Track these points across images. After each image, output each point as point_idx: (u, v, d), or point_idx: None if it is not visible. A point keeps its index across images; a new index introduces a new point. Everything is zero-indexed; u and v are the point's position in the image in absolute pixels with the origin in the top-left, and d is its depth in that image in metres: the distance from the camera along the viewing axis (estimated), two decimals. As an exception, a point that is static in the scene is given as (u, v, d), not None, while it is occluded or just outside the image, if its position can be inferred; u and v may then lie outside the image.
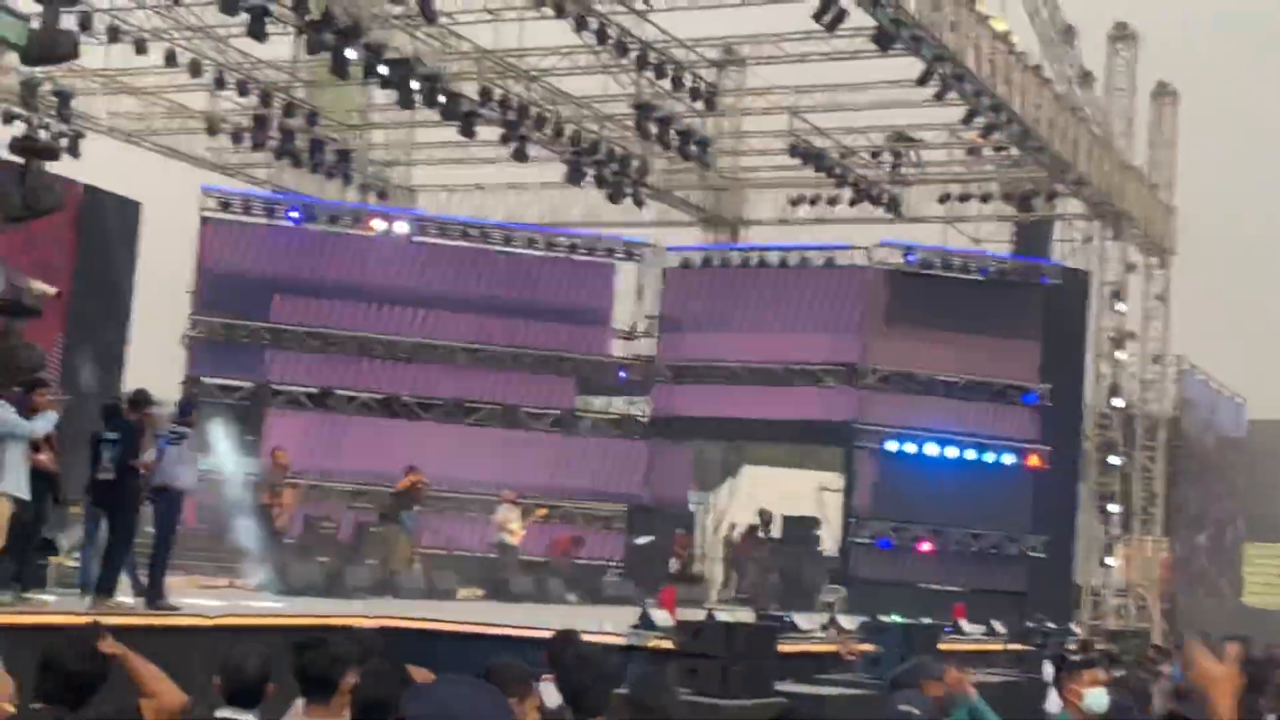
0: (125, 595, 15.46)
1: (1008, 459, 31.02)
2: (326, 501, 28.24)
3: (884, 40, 22.82)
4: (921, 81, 24.36)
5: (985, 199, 32.51)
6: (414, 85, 25.34)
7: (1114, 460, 32.41)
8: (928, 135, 31.34)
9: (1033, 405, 31.09)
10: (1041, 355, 31.06)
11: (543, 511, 27.43)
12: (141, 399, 15.69)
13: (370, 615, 16.46)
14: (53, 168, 15.71)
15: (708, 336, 31.93)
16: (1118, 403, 32.51)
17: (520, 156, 28.72)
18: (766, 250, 32.95)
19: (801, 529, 30.31)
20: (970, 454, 30.86)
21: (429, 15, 23.22)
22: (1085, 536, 32.00)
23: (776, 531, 29.91)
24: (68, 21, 19.92)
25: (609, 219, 33.50)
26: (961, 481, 30.46)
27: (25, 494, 13.64)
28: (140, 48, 26.37)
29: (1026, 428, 31.04)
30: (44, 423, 13.89)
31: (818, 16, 22.51)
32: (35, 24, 12.88)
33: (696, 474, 35.01)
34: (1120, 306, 32.45)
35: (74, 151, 27.92)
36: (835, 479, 33.08)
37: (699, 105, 27.66)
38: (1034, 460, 31.00)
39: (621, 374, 32.83)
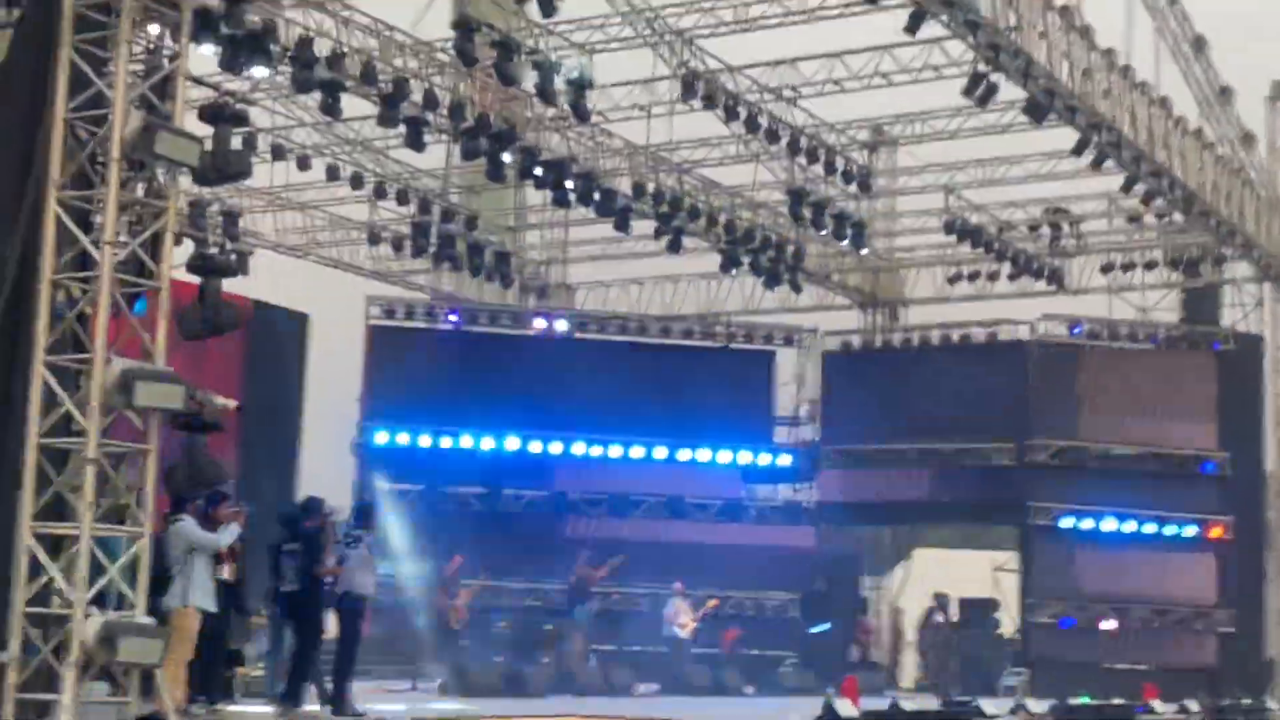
0: (312, 704, 15.62)
1: (1189, 531, 30.14)
2: (500, 600, 28.38)
3: (1036, 112, 22.53)
4: (1077, 152, 23.99)
5: (1150, 267, 31.76)
6: (568, 185, 25.70)
7: (1300, 529, 31.24)
8: (1088, 204, 30.82)
9: (1213, 475, 30.18)
10: (1219, 423, 30.19)
11: (713, 603, 27.24)
12: (316, 506, 15.94)
13: (551, 714, 16.41)
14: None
15: (872, 419, 31.59)
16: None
17: (675, 248, 28.89)
18: (927, 329, 32.62)
19: (980, 611, 29.71)
20: (1150, 528, 30.02)
21: (581, 116, 23.53)
22: (1275, 608, 30.84)
23: (954, 615, 29.32)
24: (235, 141, 20.64)
25: (767, 306, 33.46)
26: (1142, 556, 29.63)
27: (212, 606, 13.88)
28: (303, 164, 27.11)
29: (1207, 499, 30.16)
30: (228, 535, 14.15)
31: (968, 92, 22.31)
32: (207, 145, 13.23)
33: (868, 559, 34.52)
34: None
35: (243, 268, 28.72)
36: (1010, 559, 32.39)
37: (852, 188, 27.59)
38: (1217, 532, 30.07)
39: (786, 461, 32.57)
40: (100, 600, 12.04)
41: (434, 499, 30.48)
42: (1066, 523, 30.01)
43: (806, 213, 27.19)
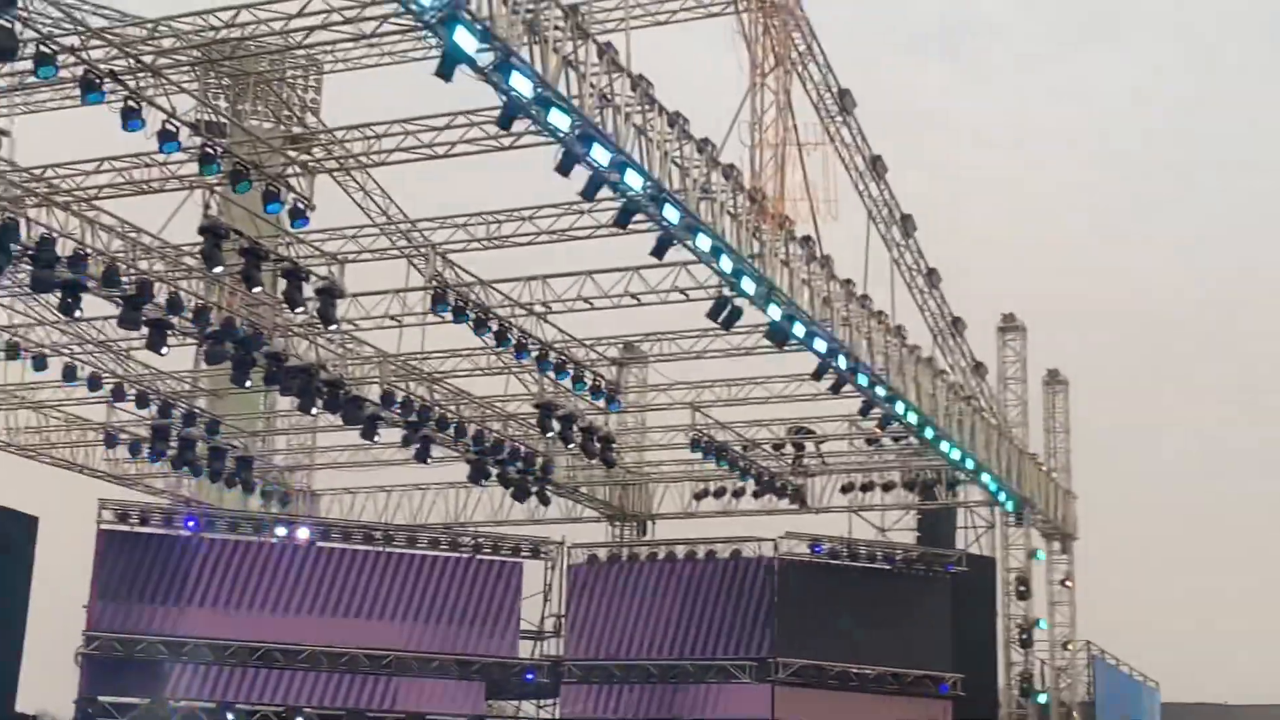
0: None
1: (926, 750, 30.58)
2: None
3: (777, 336, 23.26)
4: (817, 376, 24.79)
5: (888, 488, 32.86)
6: (315, 391, 25.39)
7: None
8: (829, 426, 31.80)
9: (946, 696, 30.82)
10: (953, 643, 30.96)
11: None
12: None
13: None
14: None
15: (618, 634, 31.53)
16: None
17: (423, 457, 28.67)
18: (673, 544, 32.92)
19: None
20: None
21: (329, 322, 23.39)
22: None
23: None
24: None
25: (515, 517, 33.36)
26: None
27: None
28: (39, 363, 26.25)
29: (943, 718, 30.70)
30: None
31: (713, 315, 22.92)
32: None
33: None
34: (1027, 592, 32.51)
35: (-31, 468, 27.51)
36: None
37: (600, 402, 27.91)
38: (952, 751, 30.60)
39: (528, 676, 32.19)
40: None
41: (159, 712, 29.19)
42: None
43: (555, 425, 27.37)
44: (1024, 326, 34.77)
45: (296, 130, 24.63)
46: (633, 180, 18.60)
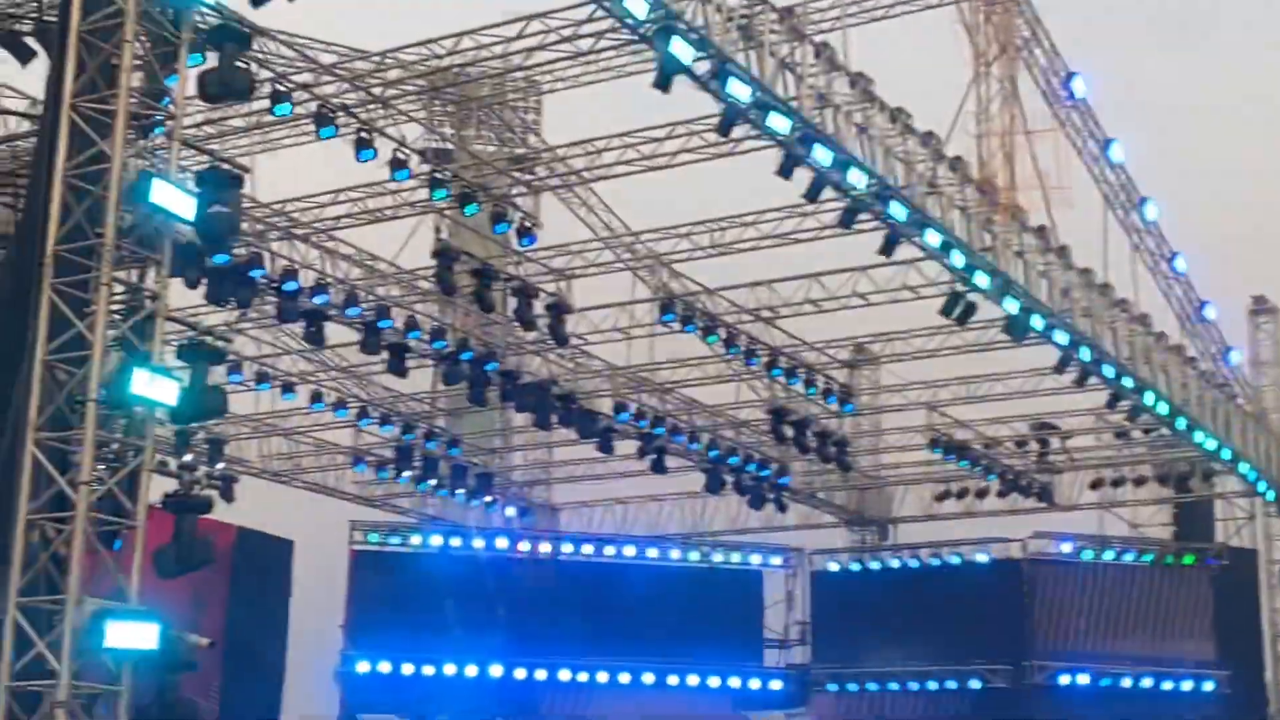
0: None
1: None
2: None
3: (1016, 331, 22.66)
4: (1059, 369, 24.08)
5: (1140, 482, 31.68)
6: (550, 406, 25.71)
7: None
8: (1074, 421, 30.83)
9: (1212, 692, 29.64)
10: (1215, 640, 29.78)
11: None
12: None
13: None
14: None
15: (864, 641, 31.14)
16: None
17: (658, 468, 28.78)
18: (917, 547, 32.38)
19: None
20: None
21: (560, 339, 23.68)
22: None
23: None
24: (217, 373, 20.68)
25: (753, 525, 33.24)
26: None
27: None
28: (287, 390, 27.16)
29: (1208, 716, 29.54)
30: (200, 777, 13.82)
31: (946, 311, 22.49)
32: (185, 381, 13.18)
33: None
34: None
35: (227, 496, 28.52)
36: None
37: (834, 406, 27.63)
38: (1219, 751, 29.44)
39: (776, 685, 31.96)
40: None
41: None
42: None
43: (789, 431, 27.18)
44: (1276, 308, 33.28)
45: (519, 151, 24.97)
46: (856, 179, 18.35)
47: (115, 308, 12.85)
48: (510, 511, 34.96)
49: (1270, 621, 30.93)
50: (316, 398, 27.67)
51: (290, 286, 21.14)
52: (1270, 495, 30.16)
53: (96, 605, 11.94)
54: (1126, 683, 29.74)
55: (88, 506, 12.00)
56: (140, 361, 12.31)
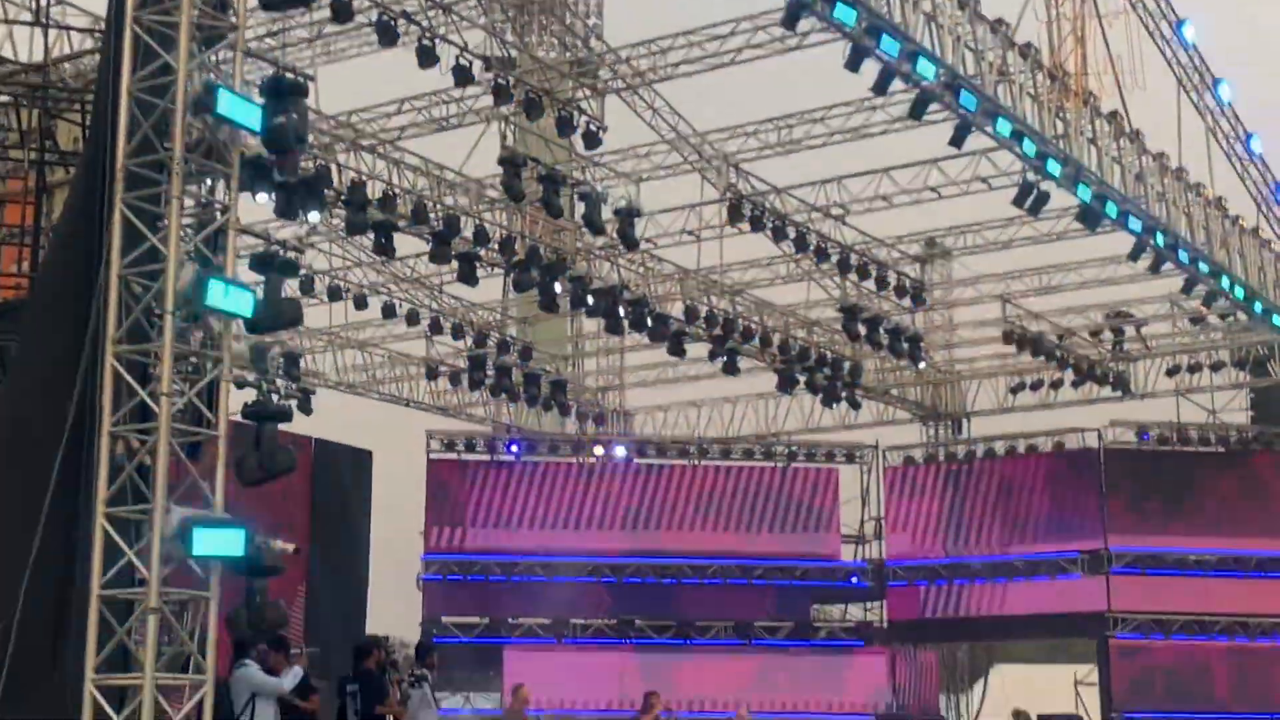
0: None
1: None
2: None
3: (1089, 218, 22.40)
4: (1134, 256, 23.78)
5: (1216, 368, 31.30)
6: (621, 312, 25.75)
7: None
8: (1149, 308, 30.50)
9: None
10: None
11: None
12: (369, 647, 15.86)
13: None
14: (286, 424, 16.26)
15: (940, 535, 31.17)
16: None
17: (731, 370, 28.79)
18: (991, 440, 32.27)
19: (1064, 727, 28.98)
20: (1234, 633, 29.30)
21: (630, 244, 23.64)
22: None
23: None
24: (290, 286, 20.85)
25: (826, 424, 33.26)
26: (1228, 663, 28.88)
27: (277, 750, 13.74)
28: (360, 303, 27.37)
29: (1293, 600, 29.42)
30: (290, 679, 14.08)
31: (1018, 202, 22.25)
32: (259, 293, 13.29)
33: (944, 678, 33.82)
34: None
35: (305, 409, 28.87)
36: (1091, 671, 31.63)
37: (906, 302, 27.49)
38: (1306, 637, 29.29)
39: (853, 580, 32.12)
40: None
41: (500, 630, 30.33)
42: (1147, 632, 29.32)
43: (861, 329, 27.10)
44: (1355, 187, 32.60)
45: (582, 55, 24.84)
46: (925, 70, 18.09)
47: (187, 221, 12.96)
48: (584, 418, 35.15)
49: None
50: (389, 310, 27.85)
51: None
52: (1350, 377, 29.76)
53: (183, 514, 12.12)
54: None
55: (169, 417, 12.17)
56: (215, 274, 12.42)
